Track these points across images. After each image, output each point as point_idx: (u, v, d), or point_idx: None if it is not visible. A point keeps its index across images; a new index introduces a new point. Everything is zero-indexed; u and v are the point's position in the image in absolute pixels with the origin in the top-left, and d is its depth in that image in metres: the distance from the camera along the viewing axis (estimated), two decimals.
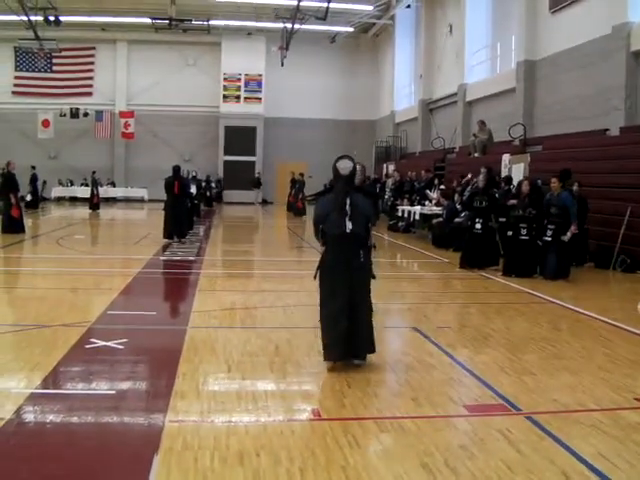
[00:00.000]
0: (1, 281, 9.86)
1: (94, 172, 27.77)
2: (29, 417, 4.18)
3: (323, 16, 23.83)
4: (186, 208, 15.84)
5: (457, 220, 14.43)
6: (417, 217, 17.51)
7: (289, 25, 27.36)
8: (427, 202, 17.97)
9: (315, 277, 5.50)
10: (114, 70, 33.91)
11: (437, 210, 16.50)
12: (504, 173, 16.11)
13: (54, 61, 32.84)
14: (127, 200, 32.59)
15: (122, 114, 33.41)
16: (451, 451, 3.79)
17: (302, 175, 26.49)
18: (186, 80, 33.93)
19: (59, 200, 32.02)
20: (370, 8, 29.38)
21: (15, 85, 33.30)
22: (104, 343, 5.88)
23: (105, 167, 32.76)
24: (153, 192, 29.66)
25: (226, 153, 33.89)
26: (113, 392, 4.69)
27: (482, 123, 19.75)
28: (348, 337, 5.29)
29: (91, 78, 34.08)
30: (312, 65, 34.10)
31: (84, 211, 25.92)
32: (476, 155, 19.53)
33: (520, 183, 11.69)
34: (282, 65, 30.27)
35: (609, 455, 3.74)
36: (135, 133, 33.33)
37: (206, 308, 7.78)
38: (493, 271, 11.02)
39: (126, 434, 4.00)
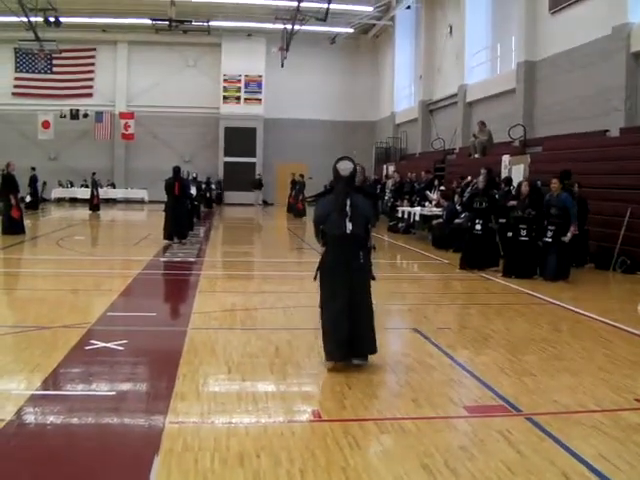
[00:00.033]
0: (1, 282, 9.85)
1: (94, 173, 27.82)
2: (29, 418, 4.18)
3: (323, 17, 23.89)
4: (186, 209, 15.85)
5: (457, 221, 14.43)
6: (417, 218, 17.51)
7: (289, 26, 27.41)
8: (427, 203, 17.98)
9: (315, 278, 5.50)
10: (114, 71, 33.96)
11: (437, 211, 16.50)
12: (504, 174, 16.11)
13: (54, 62, 32.90)
14: (127, 201, 32.61)
15: (122, 115, 33.45)
16: (451, 452, 3.79)
17: (302, 176, 26.50)
18: (186, 81, 33.98)
19: (59, 201, 32.05)
20: (370, 9, 29.42)
21: (15, 86, 33.36)
22: (104, 344, 5.87)
23: (105, 168, 32.79)
24: (153, 193, 29.70)
25: (226, 154, 33.92)
26: (113, 393, 4.69)
27: (482, 124, 19.76)
28: (349, 337, 5.30)
29: (91, 79, 34.13)
30: (312, 66, 34.15)
31: (84, 212, 25.92)
32: (476, 156, 19.53)
33: (520, 184, 11.69)
34: (282, 66, 30.32)
35: (609, 456, 3.74)
36: (135, 134, 33.37)
37: (206, 309, 7.77)
38: (493, 272, 11.02)
39: (126, 435, 4.00)
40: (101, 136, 33.20)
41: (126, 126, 33.30)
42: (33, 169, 26.78)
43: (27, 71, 33.45)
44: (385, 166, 28.27)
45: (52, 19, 24.88)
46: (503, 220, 11.29)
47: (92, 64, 34.00)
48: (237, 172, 33.48)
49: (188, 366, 5.36)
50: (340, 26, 30.19)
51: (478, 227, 11.24)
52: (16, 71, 33.39)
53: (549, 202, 10.53)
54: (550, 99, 17.25)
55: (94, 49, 33.73)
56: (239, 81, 33.97)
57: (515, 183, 13.99)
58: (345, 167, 5.48)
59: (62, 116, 32.16)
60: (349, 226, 5.32)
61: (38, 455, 3.65)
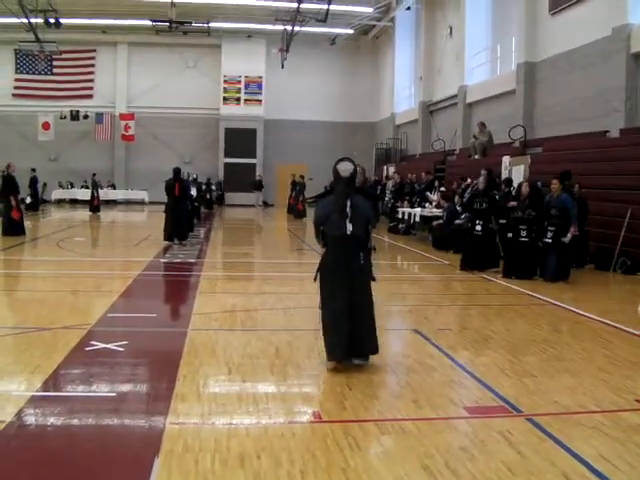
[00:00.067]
0: (1, 283, 9.85)
1: (94, 174, 27.82)
2: (30, 420, 4.18)
3: (323, 18, 23.91)
4: (187, 210, 15.86)
5: (457, 222, 14.43)
6: (417, 219, 17.51)
7: (289, 27, 27.42)
8: (427, 204, 17.98)
9: (315, 279, 5.51)
10: (114, 72, 33.96)
11: (437, 212, 16.51)
12: (504, 175, 16.11)
13: (54, 63, 32.91)
14: (127, 202, 32.61)
15: (122, 116, 33.44)
16: (452, 453, 3.79)
17: (302, 177, 26.50)
18: (186, 82, 33.99)
19: (59, 202, 32.04)
20: (370, 10, 29.44)
21: (15, 87, 33.36)
22: (104, 345, 5.88)
23: (105, 169, 32.79)
24: (153, 194, 29.71)
25: (226, 155, 33.92)
26: (114, 394, 4.69)
27: (482, 125, 19.76)
28: (350, 338, 5.30)
29: (91, 80, 34.12)
30: (312, 67, 34.16)
31: (84, 213, 25.94)
32: (476, 157, 19.53)
33: (520, 185, 11.70)
34: (282, 67, 30.31)
35: (610, 457, 3.74)
36: (135, 135, 33.36)
37: (206, 310, 7.78)
38: (493, 273, 11.02)
39: (127, 436, 4.00)
40: (101, 137, 33.21)
41: (126, 127, 33.30)
42: (33, 170, 26.80)
43: (27, 72, 33.46)
44: (385, 167, 28.28)
45: (52, 20, 24.89)
46: (503, 221, 11.30)
47: (92, 65, 34.00)
48: (237, 173, 33.49)
49: (188, 367, 5.36)
50: (340, 27, 30.20)
51: (478, 228, 11.25)
52: (16, 72, 33.40)
53: (549, 203, 10.53)
54: (550, 100, 17.26)
55: (94, 50, 33.73)
56: (239, 82, 33.97)
57: (515, 184, 13.98)
58: (345, 168, 5.48)
59: (62, 117, 32.16)
60: (349, 227, 5.33)
61: (38, 456, 3.65)
